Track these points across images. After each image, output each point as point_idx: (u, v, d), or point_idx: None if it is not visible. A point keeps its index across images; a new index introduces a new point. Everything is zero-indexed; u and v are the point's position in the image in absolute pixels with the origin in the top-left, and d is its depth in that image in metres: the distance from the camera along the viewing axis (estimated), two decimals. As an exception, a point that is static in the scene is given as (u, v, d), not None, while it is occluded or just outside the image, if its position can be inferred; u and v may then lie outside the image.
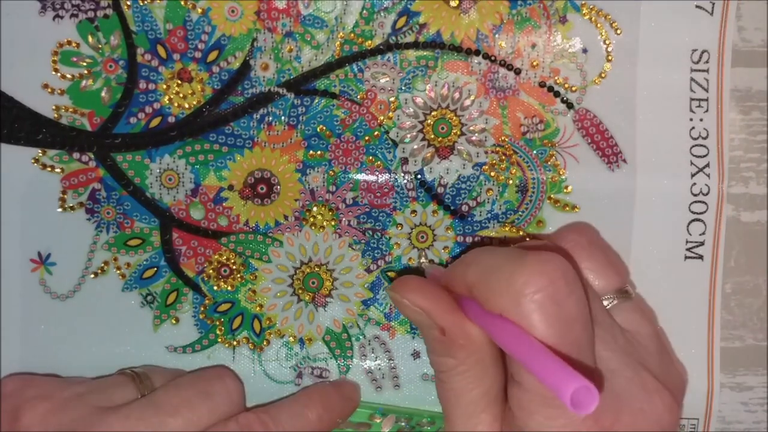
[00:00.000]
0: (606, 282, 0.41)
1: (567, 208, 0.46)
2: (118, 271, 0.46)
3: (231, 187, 0.46)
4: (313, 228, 0.46)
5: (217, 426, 0.40)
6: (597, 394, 0.28)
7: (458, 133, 0.46)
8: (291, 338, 0.47)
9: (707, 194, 0.46)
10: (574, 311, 0.34)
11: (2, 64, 0.45)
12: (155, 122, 0.45)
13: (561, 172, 0.46)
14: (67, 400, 0.40)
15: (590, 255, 0.41)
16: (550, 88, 0.45)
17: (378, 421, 0.46)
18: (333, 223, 0.46)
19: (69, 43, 0.45)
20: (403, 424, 0.47)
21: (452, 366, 0.38)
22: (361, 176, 0.46)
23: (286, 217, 0.46)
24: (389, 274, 0.47)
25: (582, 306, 0.35)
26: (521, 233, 0.46)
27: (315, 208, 0.46)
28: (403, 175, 0.46)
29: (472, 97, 0.46)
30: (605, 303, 0.41)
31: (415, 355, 0.47)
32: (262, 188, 0.46)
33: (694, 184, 0.46)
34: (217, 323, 0.47)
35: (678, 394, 0.39)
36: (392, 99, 0.46)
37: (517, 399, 0.35)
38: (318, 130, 0.46)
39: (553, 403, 0.34)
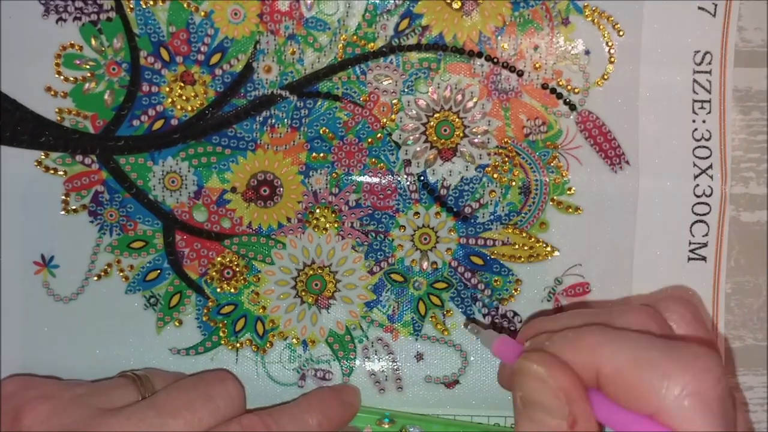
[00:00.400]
0: None
1: (570, 210, 0.46)
2: (121, 274, 0.46)
3: (234, 190, 0.46)
4: (316, 230, 0.46)
5: (218, 427, 0.40)
6: None
7: (461, 135, 0.46)
8: (294, 340, 0.47)
9: (710, 196, 0.46)
10: (732, 414, 0.31)
11: (5, 67, 0.45)
12: (158, 125, 0.45)
13: (564, 174, 0.46)
14: (68, 402, 0.40)
15: (695, 330, 0.37)
16: (553, 90, 0.46)
17: (386, 426, 0.46)
18: (336, 225, 0.46)
19: (72, 45, 0.45)
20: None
21: None
22: (364, 178, 0.46)
23: (289, 219, 0.46)
24: (393, 276, 0.47)
25: (734, 407, 0.32)
26: (528, 238, 0.46)
27: (318, 210, 0.46)
28: (405, 177, 0.46)
29: (475, 99, 0.46)
30: None
31: (418, 357, 0.47)
32: (265, 190, 0.46)
33: (697, 185, 0.46)
34: (220, 325, 0.47)
35: None
36: (395, 101, 0.46)
37: None
38: (321, 132, 0.46)
39: None
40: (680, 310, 0.38)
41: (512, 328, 0.47)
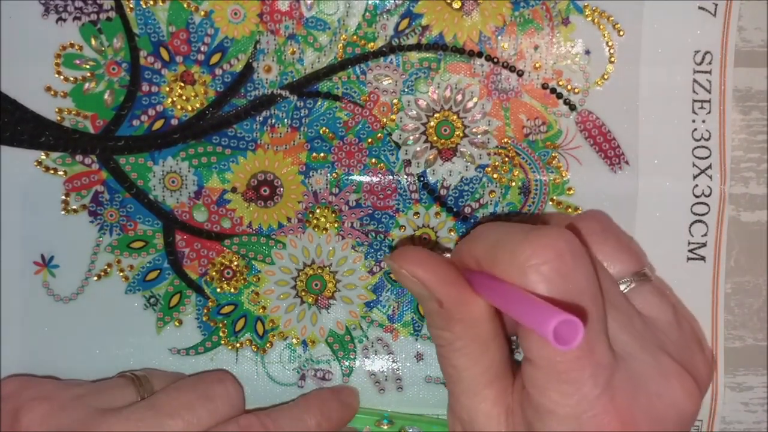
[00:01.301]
0: (621, 266, 0.40)
1: (569, 210, 0.46)
2: (121, 274, 0.46)
3: (234, 190, 0.46)
4: (316, 230, 0.46)
5: (217, 427, 0.40)
6: (581, 327, 0.29)
7: (461, 135, 0.46)
8: (294, 340, 0.47)
9: (709, 196, 0.46)
10: (582, 285, 0.34)
11: (5, 67, 0.45)
12: (158, 125, 0.45)
13: (563, 174, 0.46)
14: (67, 402, 0.40)
15: (604, 240, 0.41)
16: (553, 90, 0.46)
17: (385, 427, 0.46)
18: (336, 225, 0.46)
19: (72, 45, 0.45)
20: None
21: (450, 340, 0.37)
22: (364, 178, 0.46)
23: (289, 219, 0.46)
24: (393, 276, 0.47)
25: (590, 282, 0.34)
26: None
27: (318, 210, 0.46)
28: (405, 177, 0.46)
29: (475, 99, 0.46)
30: (622, 287, 0.40)
31: (419, 357, 0.47)
32: (265, 190, 0.46)
33: (696, 185, 0.46)
34: (220, 325, 0.47)
35: (701, 381, 0.38)
36: (395, 101, 0.46)
37: (529, 376, 0.35)
38: (321, 132, 0.46)
39: (567, 378, 0.33)
40: (588, 224, 0.41)
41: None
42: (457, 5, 0.45)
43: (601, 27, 0.45)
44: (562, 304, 0.32)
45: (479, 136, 0.46)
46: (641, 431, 0.35)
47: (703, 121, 0.46)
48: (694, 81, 0.46)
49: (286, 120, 0.46)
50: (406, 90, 0.46)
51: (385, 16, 0.45)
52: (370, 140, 0.46)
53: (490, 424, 0.37)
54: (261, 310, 0.47)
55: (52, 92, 0.45)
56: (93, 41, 0.45)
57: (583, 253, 0.35)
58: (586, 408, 0.33)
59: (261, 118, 0.46)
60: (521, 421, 0.36)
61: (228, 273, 0.47)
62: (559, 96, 0.46)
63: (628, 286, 0.40)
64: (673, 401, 0.36)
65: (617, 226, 0.45)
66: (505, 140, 0.46)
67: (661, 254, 0.46)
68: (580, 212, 0.46)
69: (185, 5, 0.45)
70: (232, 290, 0.47)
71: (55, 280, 0.46)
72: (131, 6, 0.45)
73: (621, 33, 0.45)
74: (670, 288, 0.44)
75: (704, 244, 0.46)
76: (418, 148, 0.46)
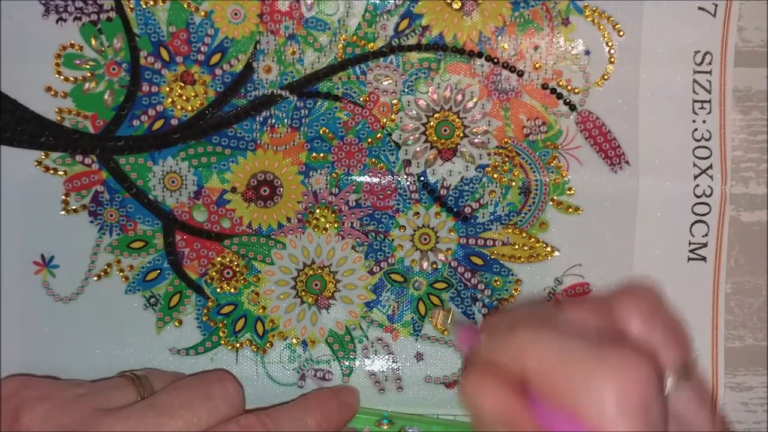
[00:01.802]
0: (666, 359, 0.35)
1: (570, 210, 0.46)
2: (121, 274, 0.46)
3: (234, 190, 0.46)
4: (316, 230, 0.46)
5: (217, 427, 0.40)
6: None
7: (461, 135, 0.46)
8: (294, 340, 0.47)
9: (710, 196, 0.46)
10: (658, 418, 0.31)
11: (6, 67, 0.45)
12: (158, 125, 0.46)
13: (564, 174, 0.46)
14: (67, 402, 0.40)
15: (653, 327, 0.36)
16: (553, 90, 0.46)
17: (385, 427, 0.46)
18: (336, 225, 0.46)
19: (72, 45, 0.45)
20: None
21: None
22: (364, 178, 0.46)
23: (289, 219, 0.46)
24: (393, 276, 0.47)
25: (664, 411, 0.32)
26: (528, 238, 0.46)
27: (318, 210, 0.46)
28: (405, 177, 0.46)
29: (475, 99, 0.46)
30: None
31: (418, 357, 0.47)
32: (265, 190, 0.46)
33: (697, 185, 0.46)
34: (220, 325, 0.47)
35: None
36: (395, 101, 0.46)
37: None
38: (321, 132, 0.46)
39: None
40: (637, 305, 0.36)
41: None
42: (457, 5, 0.45)
43: (601, 27, 0.45)
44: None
45: (479, 136, 0.46)
46: None
47: (704, 121, 0.46)
48: (695, 81, 0.46)
49: (286, 120, 0.46)
50: (406, 90, 0.46)
51: (385, 17, 0.45)
52: (370, 140, 0.46)
53: None
54: (261, 310, 0.47)
55: (53, 92, 0.45)
56: (93, 41, 0.45)
57: (661, 381, 0.32)
58: None
59: (261, 118, 0.46)
60: None
61: (228, 273, 0.47)
62: (560, 96, 0.46)
63: (666, 379, 0.35)
64: None
65: (667, 306, 0.39)
66: (506, 140, 0.46)
67: (662, 254, 0.46)
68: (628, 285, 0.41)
69: (185, 5, 0.45)
70: (232, 290, 0.47)
71: (55, 280, 0.46)
72: (131, 6, 0.45)
73: (621, 33, 0.45)
74: (708, 391, 0.40)
75: (705, 245, 0.46)
76: (418, 148, 0.46)
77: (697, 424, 0.35)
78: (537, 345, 0.33)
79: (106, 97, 0.45)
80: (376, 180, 0.46)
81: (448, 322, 0.44)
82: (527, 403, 0.33)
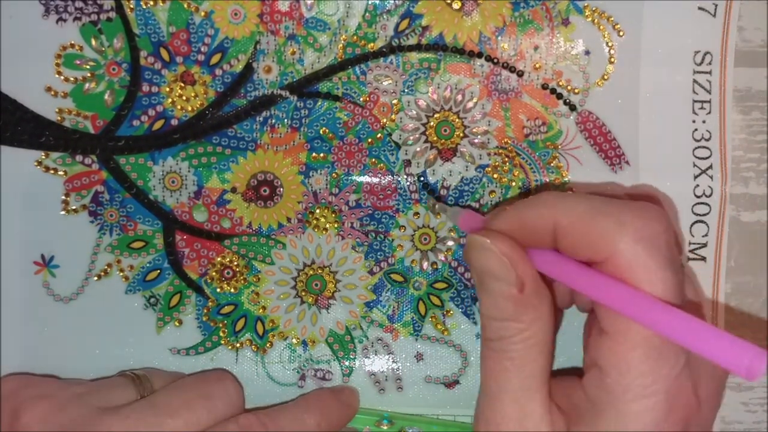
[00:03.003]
0: None
1: (570, 210, 0.46)
2: (121, 274, 0.46)
3: (234, 190, 0.46)
4: (316, 230, 0.46)
5: (216, 427, 0.40)
6: (765, 357, 0.27)
7: (461, 135, 0.46)
8: (294, 340, 0.47)
9: (710, 196, 0.46)
10: (678, 256, 0.33)
11: (5, 67, 0.45)
12: (158, 125, 0.46)
13: (564, 174, 0.46)
14: (66, 400, 0.40)
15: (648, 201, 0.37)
16: (553, 90, 0.46)
17: (385, 427, 0.46)
18: (336, 225, 0.46)
19: (72, 46, 0.45)
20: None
21: (517, 331, 0.35)
22: (364, 178, 0.46)
23: (289, 220, 0.46)
24: (393, 276, 0.47)
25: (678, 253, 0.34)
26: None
27: (318, 211, 0.46)
28: (405, 177, 0.46)
29: (475, 100, 0.46)
30: None
31: (418, 357, 0.47)
32: (265, 190, 0.46)
33: (697, 185, 0.46)
34: (220, 325, 0.47)
35: None
36: (395, 101, 0.46)
37: (609, 353, 0.33)
38: (321, 132, 0.46)
39: (656, 353, 0.32)
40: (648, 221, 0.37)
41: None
42: (457, 6, 0.45)
43: (601, 27, 0.45)
44: (674, 277, 0.32)
45: (479, 137, 0.46)
46: (702, 412, 0.34)
47: (704, 122, 0.46)
48: (694, 81, 0.46)
49: (286, 120, 0.46)
50: (406, 90, 0.46)
51: (385, 17, 0.45)
52: (370, 140, 0.46)
53: (539, 427, 0.35)
54: (261, 310, 0.47)
55: (53, 92, 0.45)
56: (93, 41, 0.45)
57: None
58: (668, 385, 0.32)
59: (261, 119, 0.46)
60: (562, 423, 0.35)
61: (228, 273, 0.47)
62: (559, 96, 0.46)
63: None
64: (724, 380, 0.36)
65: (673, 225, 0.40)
66: (506, 140, 0.46)
67: (661, 254, 0.46)
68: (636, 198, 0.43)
69: (185, 5, 0.45)
70: (232, 290, 0.47)
71: (56, 280, 0.46)
72: (131, 6, 0.45)
73: (621, 33, 0.45)
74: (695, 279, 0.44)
75: (705, 245, 0.46)
76: (418, 149, 0.46)
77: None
78: (567, 198, 0.35)
79: (106, 97, 0.45)
80: (376, 180, 0.46)
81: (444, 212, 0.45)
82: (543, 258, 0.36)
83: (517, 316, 0.35)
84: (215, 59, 0.45)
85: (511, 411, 0.36)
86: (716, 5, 0.45)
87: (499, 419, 0.36)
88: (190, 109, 0.45)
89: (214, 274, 0.47)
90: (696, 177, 0.46)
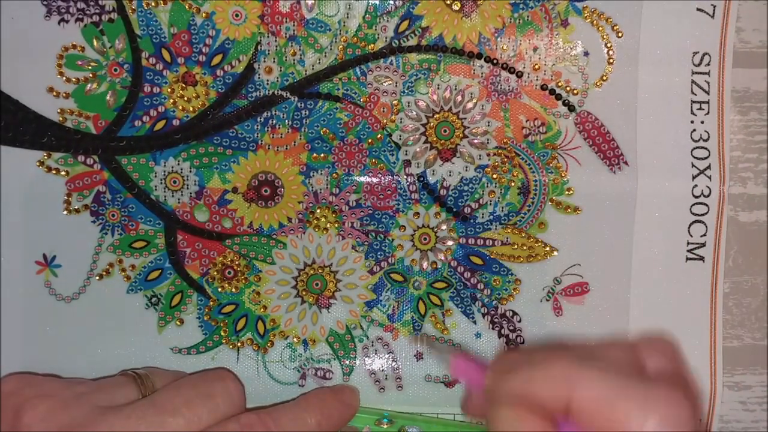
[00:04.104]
0: None
1: (569, 210, 0.46)
2: (123, 273, 0.47)
3: (235, 190, 0.46)
4: (316, 230, 0.47)
5: (218, 426, 0.40)
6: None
7: (461, 135, 0.46)
8: (295, 339, 0.47)
9: (708, 196, 0.46)
10: None
11: (8, 68, 0.45)
12: (160, 125, 0.46)
13: (563, 174, 0.46)
14: (68, 400, 0.40)
15: (676, 365, 0.37)
16: (552, 91, 0.46)
17: (385, 427, 0.46)
18: (336, 225, 0.47)
19: (74, 46, 0.45)
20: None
21: None
22: (364, 178, 0.46)
23: (289, 219, 0.47)
24: (393, 276, 0.47)
25: None
26: (528, 238, 0.47)
27: (318, 211, 0.46)
28: (405, 177, 0.46)
29: (475, 100, 0.46)
30: None
31: (418, 356, 0.47)
32: (265, 190, 0.46)
33: (696, 185, 0.46)
34: (222, 325, 0.47)
35: None
36: (395, 102, 0.46)
37: None
38: (321, 132, 0.46)
39: None
40: (661, 347, 0.38)
41: (512, 328, 0.47)
42: (456, 7, 0.45)
43: (600, 28, 0.45)
44: None
45: (479, 137, 0.46)
46: None
47: (702, 122, 0.46)
48: (693, 82, 0.46)
49: (286, 121, 0.46)
50: (406, 91, 0.46)
51: (385, 18, 0.45)
52: (370, 141, 0.46)
53: None
54: (262, 310, 0.47)
55: (55, 93, 0.45)
56: (95, 42, 0.45)
57: (697, 424, 0.33)
58: None
59: (262, 119, 0.46)
60: None
61: (229, 273, 0.47)
62: (558, 97, 0.46)
63: None
64: None
65: (686, 365, 0.39)
66: (505, 141, 0.46)
67: (660, 254, 0.46)
68: (647, 338, 0.40)
69: (187, 7, 0.45)
70: (233, 290, 0.47)
71: (57, 279, 0.46)
72: (133, 7, 0.45)
73: (620, 34, 0.46)
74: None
75: (703, 245, 0.46)
76: (418, 149, 0.46)
77: None
78: (584, 373, 0.33)
79: (107, 97, 0.46)
80: (376, 180, 0.46)
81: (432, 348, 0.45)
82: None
83: None
84: (216, 60, 0.45)
85: None
86: (714, 6, 0.45)
87: None
88: (191, 109, 0.46)
89: (215, 273, 0.47)
90: (694, 177, 0.46)
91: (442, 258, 0.47)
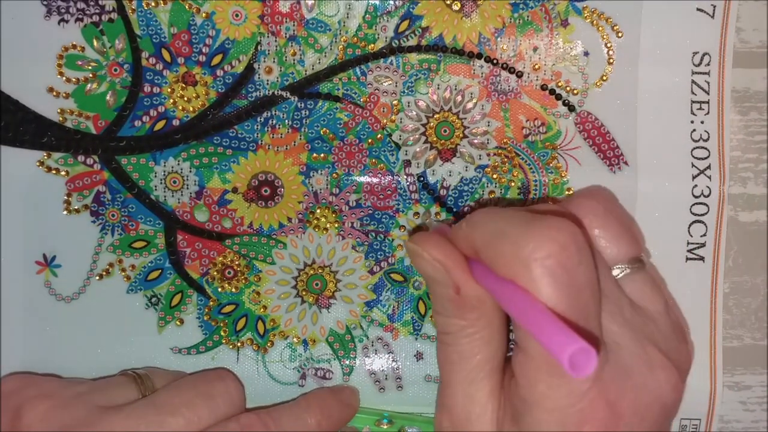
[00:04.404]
0: (618, 250, 0.39)
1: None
2: (123, 273, 0.47)
3: (235, 190, 0.46)
4: (316, 230, 0.47)
5: (217, 426, 0.40)
6: (595, 357, 0.28)
7: (461, 135, 0.46)
8: (295, 339, 0.47)
9: (708, 196, 0.46)
10: (584, 279, 0.34)
11: (7, 68, 0.45)
12: (160, 125, 0.46)
13: (563, 175, 0.46)
14: (68, 400, 0.40)
15: (605, 223, 0.40)
16: (552, 91, 0.46)
17: (384, 427, 0.46)
18: (336, 225, 0.47)
19: (74, 46, 0.45)
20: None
21: (461, 328, 0.37)
22: (364, 178, 0.46)
23: (289, 219, 0.47)
24: (393, 276, 0.47)
25: (591, 274, 0.34)
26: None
27: (318, 211, 0.46)
28: (405, 177, 0.46)
29: (475, 100, 0.46)
30: (616, 272, 0.39)
31: (418, 356, 0.47)
32: (265, 191, 0.46)
33: (695, 186, 0.46)
34: (222, 325, 0.47)
35: (684, 372, 0.38)
36: (395, 102, 0.46)
37: (520, 366, 0.35)
38: (321, 132, 0.46)
39: (557, 371, 0.33)
40: (590, 204, 0.40)
41: (511, 328, 0.47)
42: (456, 7, 0.45)
43: (600, 28, 0.45)
44: (564, 299, 0.33)
45: (479, 137, 0.46)
46: (626, 423, 0.35)
47: (702, 122, 0.46)
48: (693, 82, 0.46)
49: (286, 121, 0.46)
50: (406, 91, 0.46)
51: (385, 18, 0.45)
52: (370, 141, 0.46)
53: (482, 417, 0.37)
54: (262, 310, 0.47)
55: (55, 93, 0.45)
56: (95, 42, 0.45)
57: (586, 246, 0.34)
58: (574, 401, 0.34)
59: (262, 119, 0.46)
60: (509, 417, 0.36)
61: (229, 273, 0.47)
62: (558, 97, 0.46)
63: (622, 272, 0.40)
64: (658, 393, 0.36)
65: (620, 205, 0.44)
66: (505, 141, 0.46)
67: (660, 254, 0.46)
68: (582, 189, 0.45)
69: (187, 7, 0.45)
70: (233, 290, 0.47)
71: (57, 279, 0.46)
72: (133, 7, 0.45)
73: (620, 34, 0.46)
74: (661, 277, 0.44)
75: (703, 245, 0.46)
76: (418, 149, 0.46)
77: (649, 308, 0.39)
78: (483, 219, 0.37)
79: (107, 97, 0.46)
80: (376, 180, 0.46)
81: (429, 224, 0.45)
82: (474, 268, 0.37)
83: (459, 314, 0.37)
84: (216, 60, 0.45)
85: (461, 398, 0.38)
86: (714, 6, 0.45)
87: (451, 404, 0.38)
88: (191, 109, 0.46)
89: (215, 273, 0.47)
90: (694, 177, 0.46)
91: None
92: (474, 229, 0.37)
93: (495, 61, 0.46)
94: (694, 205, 0.46)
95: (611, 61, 0.46)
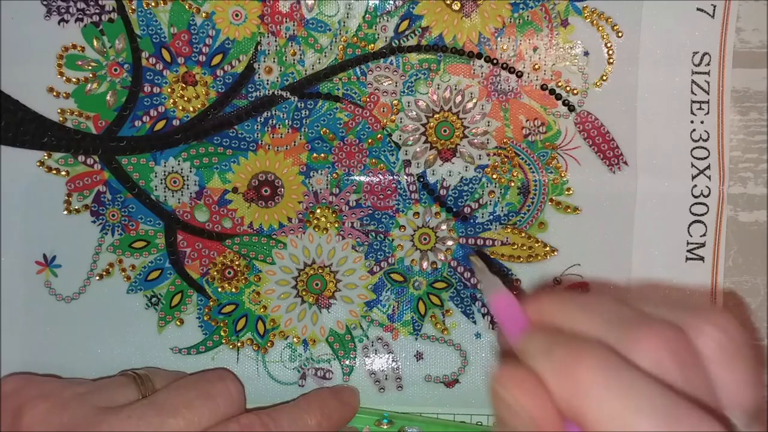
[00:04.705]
0: (739, 396, 0.30)
1: (569, 210, 0.46)
2: (123, 273, 0.47)
3: (235, 190, 0.46)
4: (316, 230, 0.47)
5: (218, 426, 0.40)
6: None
7: (460, 135, 0.46)
8: (295, 339, 0.47)
9: (708, 196, 0.46)
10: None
11: (8, 68, 0.45)
12: (160, 125, 0.46)
13: (562, 174, 0.46)
14: (68, 400, 0.40)
15: (732, 369, 0.30)
16: (552, 91, 0.46)
17: (384, 427, 0.46)
18: (336, 225, 0.47)
19: (74, 47, 0.45)
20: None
21: None
22: (364, 178, 0.46)
23: (289, 219, 0.47)
24: (393, 276, 0.47)
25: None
26: (527, 238, 0.47)
27: (318, 210, 0.46)
28: (405, 177, 0.46)
29: (474, 100, 0.46)
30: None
31: (418, 356, 0.47)
32: (266, 190, 0.46)
33: (695, 185, 0.46)
34: (222, 325, 0.47)
35: None
36: (395, 102, 0.46)
37: None
38: (321, 132, 0.46)
39: None
40: (718, 339, 0.30)
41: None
42: (456, 7, 0.45)
43: (600, 28, 0.45)
44: None
45: (479, 137, 0.46)
46: None
47: (702, 122, 0.46)
48: (693, 82, 0.46)
49: (286, 121, 0.46)
50: (406, 91, 0.46)
51: (385, 18, 0.45)
52: (370, 141, 0.46)
53: None
54: (262, 310, 0.47)
55: (55, 93, 0.45)
56: (95, 42, 0.45)
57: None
58: None
59: (262, 119, 0.46)
60: None
61: (229, 273, 0.47)
62: (558, 97, 0.46)
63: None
64: None
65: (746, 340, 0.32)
66: (505, 141, 0.46)
67: (660, 254, 0.46)
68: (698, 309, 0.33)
69: (187, 7, 0.45)
70: (233, 290, 0.47)
71: (57, 279, 0.46)
72: (133, 7, 0.45)
73: (620, 34, 0.46)
74: None
75: (703, 245, 0.47)
76: (418, 149, 0.46)
77: None
78: (602, 388, 0.28)
79: (108, 97, 0.46)
80: (376, 180, 0.46)
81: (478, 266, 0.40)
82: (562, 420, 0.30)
83: None
84: (216, 60, 0.45)
85: None
86: (714, 6, 0.45)
87: None
88: (191, 109, 0.46)
89: (215, 273, 0.47)
90: (694, 177, 0.46)
91: (442, 258, 0.47)
92: (585, 396, 0.28)
93: (495, 61, 0.46)
94: (693, 205, 0.46)
95: (611, 61, 0.46)
